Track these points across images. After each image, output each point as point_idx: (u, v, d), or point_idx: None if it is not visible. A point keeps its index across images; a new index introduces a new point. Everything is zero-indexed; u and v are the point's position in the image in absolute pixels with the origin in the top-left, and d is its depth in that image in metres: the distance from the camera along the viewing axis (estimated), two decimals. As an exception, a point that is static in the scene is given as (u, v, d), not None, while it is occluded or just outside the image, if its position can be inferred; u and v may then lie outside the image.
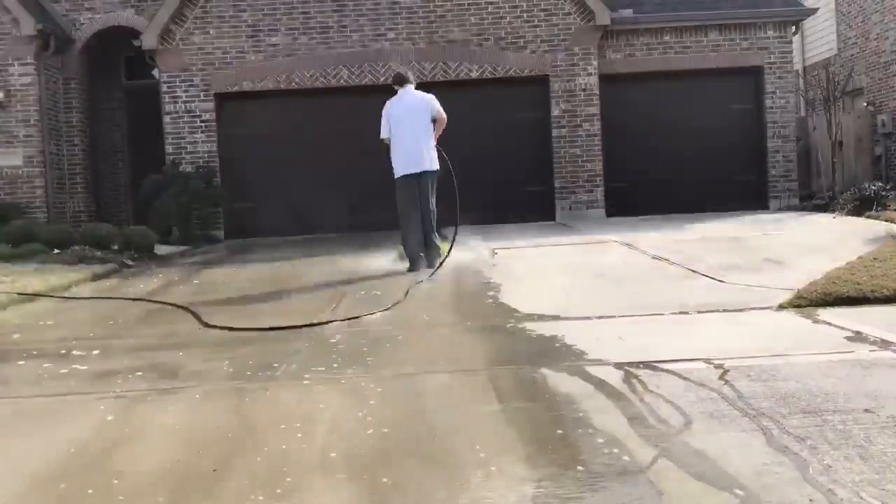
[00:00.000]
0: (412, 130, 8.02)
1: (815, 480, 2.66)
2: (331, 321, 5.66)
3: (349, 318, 5.73)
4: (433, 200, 8.10)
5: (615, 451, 2.97)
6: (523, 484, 2.73)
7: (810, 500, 2.52)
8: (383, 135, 8.20)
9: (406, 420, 3.47)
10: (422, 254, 7.98)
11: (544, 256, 8.99)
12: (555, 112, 13.62)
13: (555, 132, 13.63)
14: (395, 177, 8.14)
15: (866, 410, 3.30)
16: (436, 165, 8.10)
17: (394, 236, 11.94)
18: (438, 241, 8.17)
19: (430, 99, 8.18)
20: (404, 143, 8.04)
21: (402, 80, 8.31)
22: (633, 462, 2.87)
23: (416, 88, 8.38)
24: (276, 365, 4.52)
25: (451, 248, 8.32)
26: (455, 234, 8.47)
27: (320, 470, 2.96)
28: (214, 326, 5.74)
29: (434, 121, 8.11)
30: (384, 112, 8.22)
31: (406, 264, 8.06)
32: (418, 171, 7.98)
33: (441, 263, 7.93)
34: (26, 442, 3.47)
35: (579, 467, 2.85)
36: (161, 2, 13.64)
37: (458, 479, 2.80)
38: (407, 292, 6.57)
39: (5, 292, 7.28)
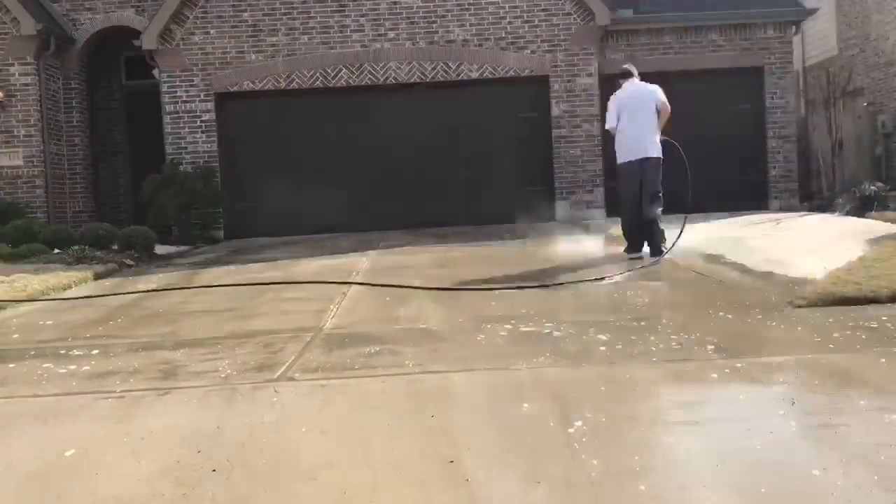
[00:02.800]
0: (636, 120, 8.27)
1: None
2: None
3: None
4: (658, 187, 8.24)
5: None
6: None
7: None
8: (609, 125, 8.53)
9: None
10: (646, 242, 8.20)
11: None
12: (555, 112, 13.64)
13: (555, 132, 13.64)
14: (617, 164, 8.47)
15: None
16: (658, 153, 8.27)
17: (392, 235, 12.01)
18: (662, 227, 8.21)
19: (655, 90, 8.38)
20: (629, 132, 8.30)
21: (626, 74, 8.61)
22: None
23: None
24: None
25: (680, 234, 8.32)
26: (685, 222, 8.50)
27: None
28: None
29: (659, 112, 8.28)
30: (610, 104, 8.54)
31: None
32: (641, 157, 8.20)
33: (670, 248, 8.07)
34: (25, 442, 3.47)
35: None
36: (161, 2, 13.65)
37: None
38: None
39: (8, 300, 7.27)
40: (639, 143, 8.22)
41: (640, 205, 8.16)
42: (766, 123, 14.03)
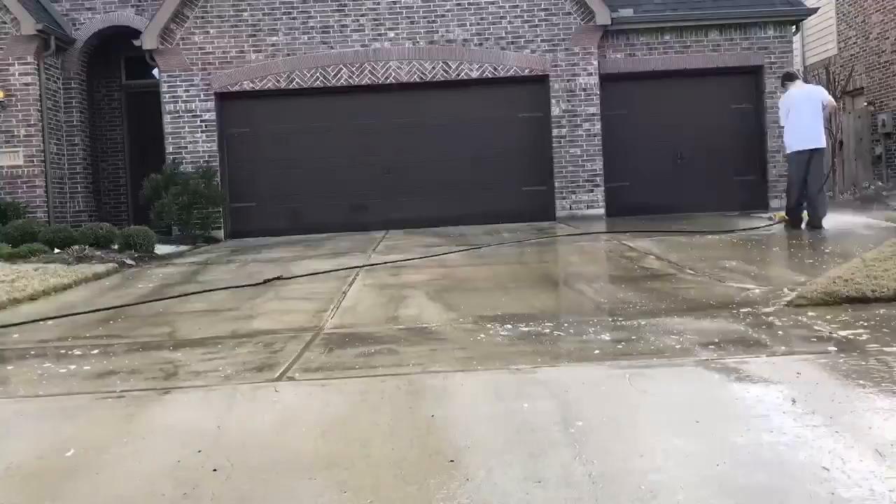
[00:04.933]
0: (806, 115, 10.00)
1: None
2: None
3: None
4: (821, 171, 10.26)
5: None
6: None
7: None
8: (782, 122, 10.44)
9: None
10: (804, 215, 10.11)
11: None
12: (555, 112, 13.64)
13: (555, 132, 13.64)
14: (789, 151, 10.34)
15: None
16: (823, 143, 10.14)
17: (392, 235, 12.01)
18: (825, 203, 10.23)
19: (821, 90, 10.55)
20: (800, 125, 10.01)
21: (792, 77, 10.73)
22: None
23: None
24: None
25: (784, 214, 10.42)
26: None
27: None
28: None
29: (825, 107, 10.22)
30: (781, 104, 10.52)
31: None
32: (811, 147, 9.96)
33: (778, 221, 10.71)
34: (26, 442, 3.47)
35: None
36: (161, 1, 13.65)
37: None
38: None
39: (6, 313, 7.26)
40: (809, 134, 9.92)
41: (804, 186, 9.92)
42: (766, 123, 14.02)
